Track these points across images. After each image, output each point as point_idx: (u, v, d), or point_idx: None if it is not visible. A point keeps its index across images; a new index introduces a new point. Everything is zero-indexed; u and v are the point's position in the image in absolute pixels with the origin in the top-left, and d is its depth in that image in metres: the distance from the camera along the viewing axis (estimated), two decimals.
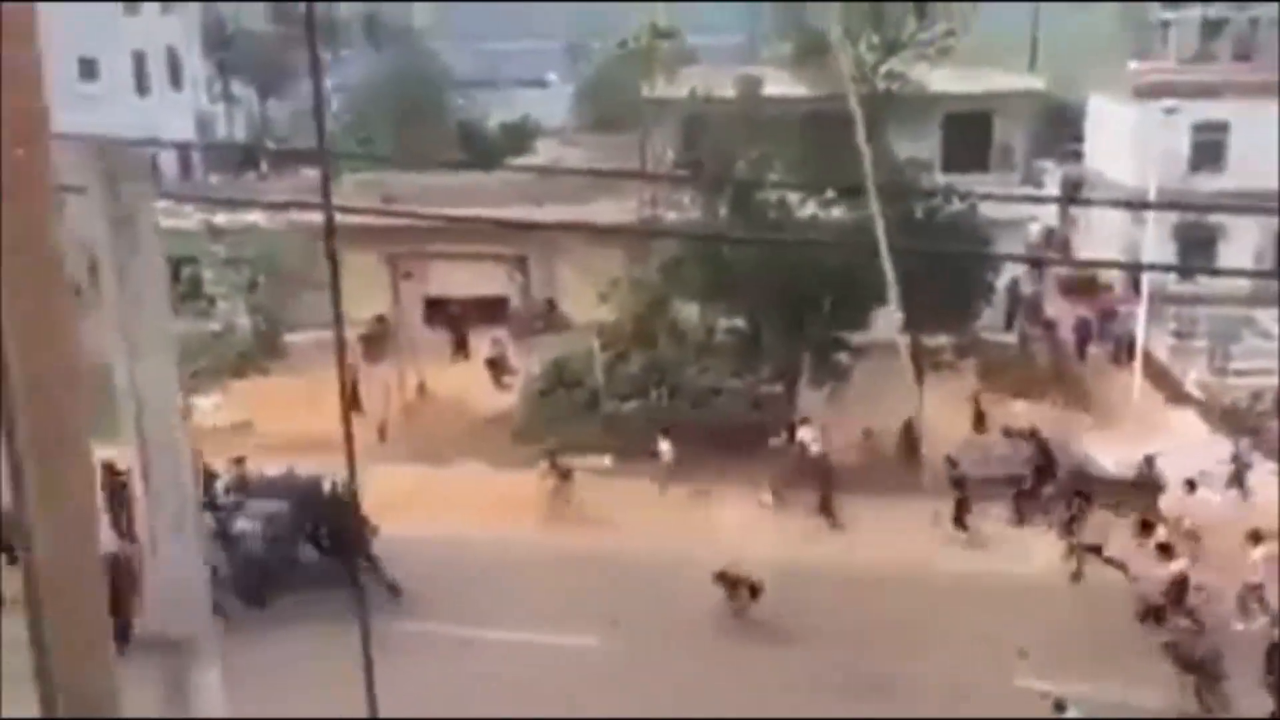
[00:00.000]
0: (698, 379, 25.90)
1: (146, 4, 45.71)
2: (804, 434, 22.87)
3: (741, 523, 21.63)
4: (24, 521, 1.80)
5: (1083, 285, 35.85)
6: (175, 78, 48.64)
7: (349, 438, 3.95)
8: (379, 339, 30.03)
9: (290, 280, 30.46)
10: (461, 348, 31.34)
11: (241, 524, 18.40)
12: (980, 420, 25.37)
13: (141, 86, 44.26)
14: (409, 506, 20.74)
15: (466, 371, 29.59)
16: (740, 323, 25.82)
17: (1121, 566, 19.05)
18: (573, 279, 31.06)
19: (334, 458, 20.39)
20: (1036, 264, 34.87)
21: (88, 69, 39.99)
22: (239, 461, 20.52)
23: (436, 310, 32.42)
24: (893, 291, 20.94)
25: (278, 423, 24.51)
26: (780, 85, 27.88)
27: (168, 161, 42.40)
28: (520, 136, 49.93)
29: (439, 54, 61.08)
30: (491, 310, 32.51)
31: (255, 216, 30.74)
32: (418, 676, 14.95)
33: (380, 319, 30.66)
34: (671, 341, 26.73)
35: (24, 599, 1.86)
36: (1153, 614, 17.51)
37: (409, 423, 25.92)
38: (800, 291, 23.73)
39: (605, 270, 27.46)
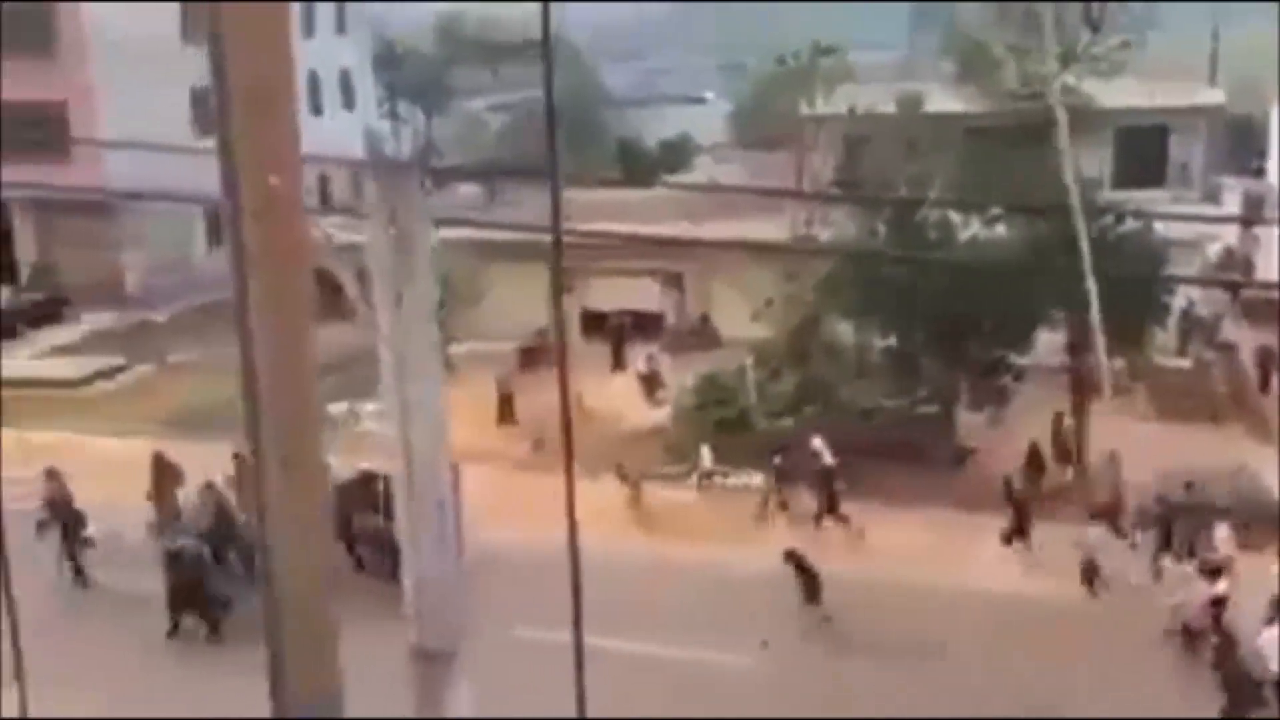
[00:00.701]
0: (852, 398, 25.54)
1: (321, 26, 47.71)
2: (816, 444, 22.54)
3: (895, 543, 21.22)
4: (263, 527, 1.88)
5: (1266, 309, 33.94)
6: (348, 98, 50.58)
7: (569, 449, 3.99)
8: (537, 352, 30.59)
9: (451, 294, 31.31)
10: (618, 362, 31.63)
11: None
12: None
13: (315, 106, 46.15)
14: (558, 518, 20.97)
15: (621, 386, 29.84)
16: (896, 342, 25.37)
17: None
18: (727, 295, 31.03)
19: (488, 467, 20.78)
20: (1210, 286, 33.22)
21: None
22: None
23: (594, 323, 32.79)
24: (1094, 309, 20.28)
25: None
26: (941, 102, 27.36)
27: (340, 179, 44.07)
28: (678, 154, 50.25)
29: (599, 71, 61.99)
30: (647, 325, 32.75)
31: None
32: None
33: (540, 333, 31.22)
34: (825, 360, 26.43)
35: (261, 600, 1.93)
36: (1184, 633, 17.19)
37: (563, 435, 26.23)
38: (960, 311, 23.17)
39: (759, 287, 27.34)
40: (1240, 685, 15.47)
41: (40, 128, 35.44)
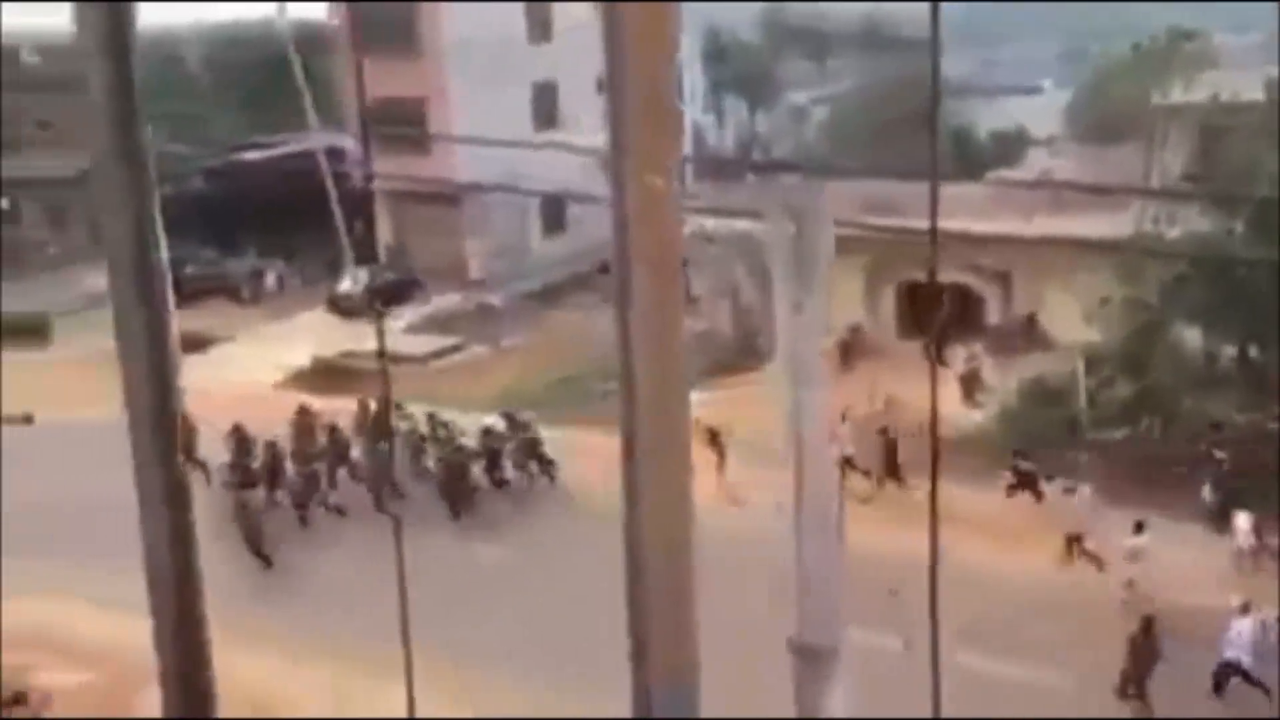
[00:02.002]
0: (1198, 410, 23.58)
1: None
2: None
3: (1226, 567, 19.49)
4: (633, 509, 1.95)
5: None
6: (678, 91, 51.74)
7: (935, 457, 3.94)
8: (851, 347, 30.24)
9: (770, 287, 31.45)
10: (939, 359, 30.69)
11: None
12: None
13: None
14: (869, 518, 20.66)
15: (940, 385, 28.98)
16: (1253, 351, 23.20)
17: (1097, 560, 19.44)
18: (1057, 296, 29.41)
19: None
20: None
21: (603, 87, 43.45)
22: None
23: (914, 311, 31.84)
24: None
25: (748, 423, 25.55)
26: None
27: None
28: (1011, 145, 48.15)
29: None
30: (969, 324, 31.57)
31: (744, 224, 31.97)
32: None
33: (855, 329, 30.83)
34: (1168, 367, 24.53)
35: (626, 576, 2.03)
36: None
37: (874, 434, 25.81)
38: None
39: (1094, 289, 25.74)
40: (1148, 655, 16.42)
41: (402, 123, 38.58)
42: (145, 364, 1.71)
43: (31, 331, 34.31)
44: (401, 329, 36.48)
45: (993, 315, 32.42)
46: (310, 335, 34.16)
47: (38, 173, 41.93)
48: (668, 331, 1.94)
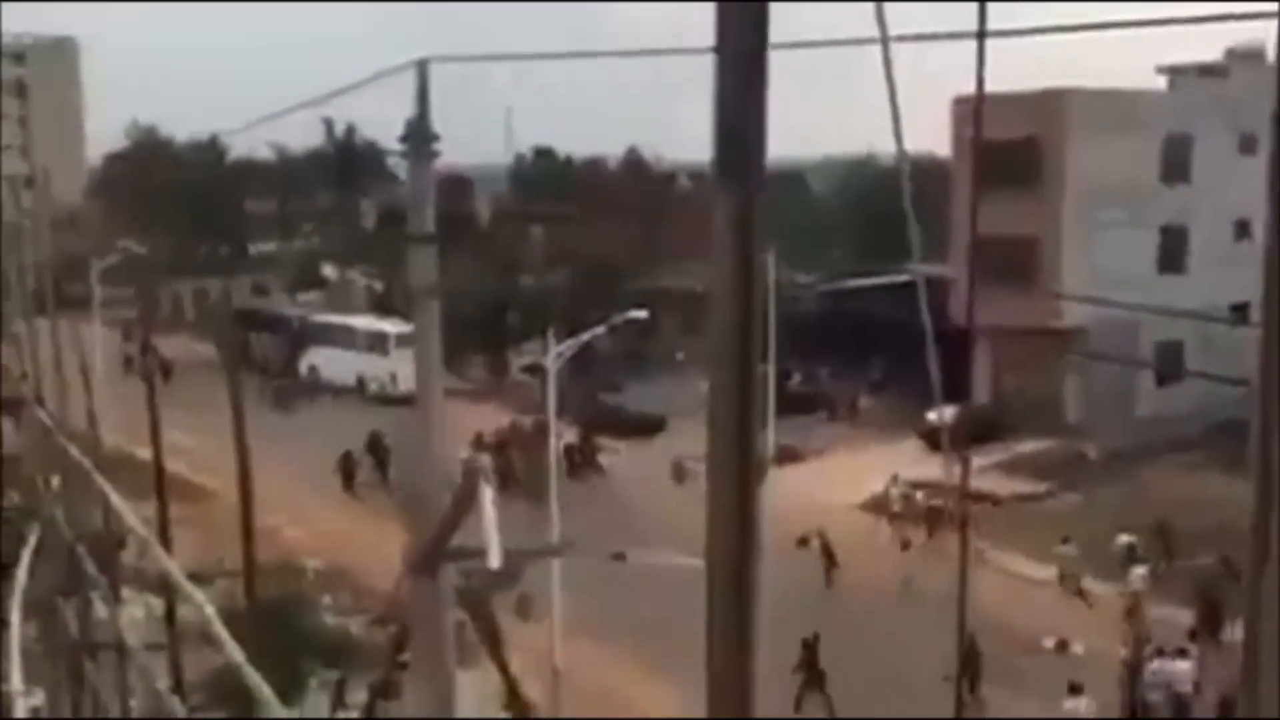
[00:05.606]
0: None
1: None
2: None
3: None
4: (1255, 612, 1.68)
5: None
6: None
7: None
8: None
9: None
10: None
11: None
12: None
13: None
14: None
15: None
16: None
17: None
18: None
19: None
20: None
21: (1242, 230, 39.98)
22: None
23: None
24: None
25: None
26: None
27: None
28: None
29: None
30: None
31: None
32: None
33: None
34: None
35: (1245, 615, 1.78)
36: None
37: None
38: None
39: None
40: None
41: (1012, 260, 38.01)
42: (731, 465, 1.78)
43: (652, 427, 38.95)
44: (989, 466, 35.56)
45: None
46: (896, 461, 34.46)
47: (673, 285, 47.18)
48: None
